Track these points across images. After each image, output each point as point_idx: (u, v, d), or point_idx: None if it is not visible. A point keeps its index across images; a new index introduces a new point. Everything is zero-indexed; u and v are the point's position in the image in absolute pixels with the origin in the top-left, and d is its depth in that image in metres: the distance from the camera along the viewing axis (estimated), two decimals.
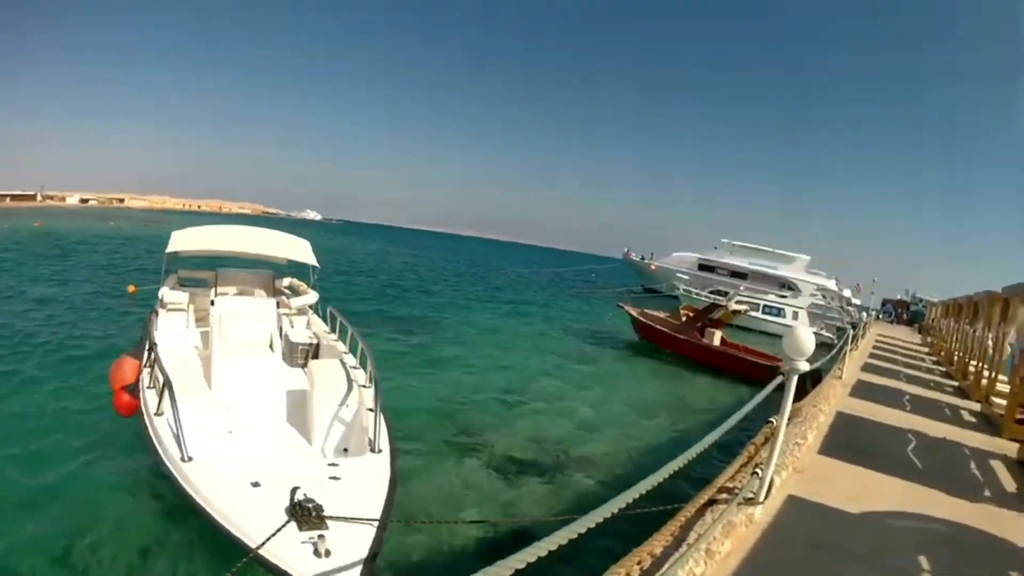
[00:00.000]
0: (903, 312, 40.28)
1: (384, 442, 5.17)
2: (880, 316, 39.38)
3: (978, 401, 10.43)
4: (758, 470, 4.20)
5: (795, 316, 28.34)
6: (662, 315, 18.52)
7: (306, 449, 5.61)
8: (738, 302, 26.91)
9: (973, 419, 9.50)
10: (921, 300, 40.16)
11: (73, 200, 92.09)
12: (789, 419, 7.03)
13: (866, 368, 13.13)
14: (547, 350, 16.40)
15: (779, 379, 3.80)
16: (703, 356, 16.20)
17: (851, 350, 15.05)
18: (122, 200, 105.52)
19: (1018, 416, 8.47)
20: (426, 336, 16.45)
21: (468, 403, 10.60)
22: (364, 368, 7.10)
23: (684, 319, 17.36)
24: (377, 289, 26.75)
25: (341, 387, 5.93)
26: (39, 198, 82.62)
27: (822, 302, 32.26)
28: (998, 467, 7.02)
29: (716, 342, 16.82)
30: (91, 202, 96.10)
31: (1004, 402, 9.30)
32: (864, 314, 29.87)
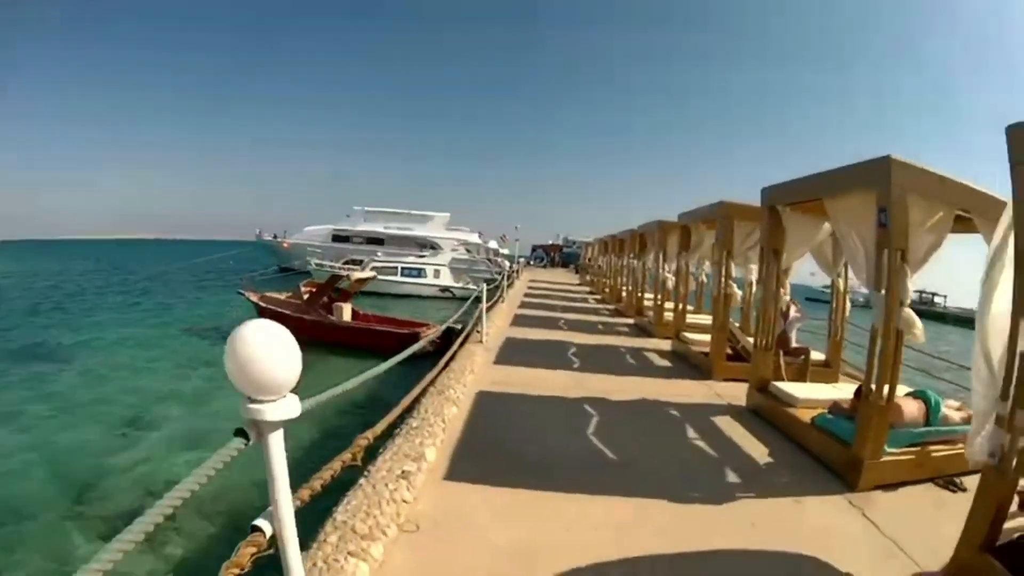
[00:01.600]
0: (556, 255, 44.33)
1: None
2: (532, 262, 42.69)
3: (668, 338, 9.56)
4: None
5: (436, 274, 28.52)
6: (283, 296, 15.85)
7: None
8: (373, 268, 26.62)
9: (666, 362, 8.23)
10: (575, 242, 44.31)
11: None
12: (401, 417, 4.28)
13: (519, 321, 11.59)
14: (169, 360, 12.75)
15: (236, 441, 1.60)
16: (332, 335, 14.14)
17: (493, 303, 13.76)
18: None
19: (728, 351, 7.51)
20: (20, 372, 11.36)
21: (54, 455, 7.38)
22: None
23: (307, 297, 15.03)
24: None
25: None
26: None
27: (466, 256, 32.72)
28: (729, 426, 5.33)
29: (347, 316, 15.00)
30: None
31: (703, 337, 8.43)
32: (508, 263, 31.61)
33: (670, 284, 10.48)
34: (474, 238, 35.50)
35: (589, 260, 27.43)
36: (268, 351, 1.56)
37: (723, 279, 7.38)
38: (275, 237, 37.18)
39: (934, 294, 54.10)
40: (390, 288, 26.65)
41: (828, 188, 4.81)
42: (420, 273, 28.35)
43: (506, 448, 4.40)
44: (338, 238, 35.22)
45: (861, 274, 4.48)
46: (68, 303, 23.50)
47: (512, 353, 8.08)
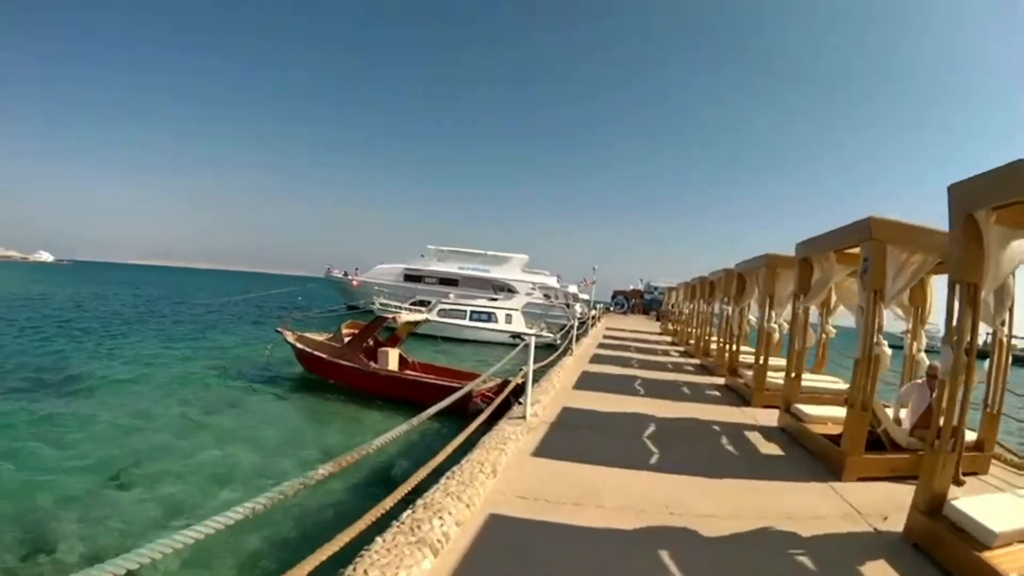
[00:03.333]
0: (637, 301, 41.21)
1: None
2: (612, 308, 40.17)
3: (772, 407, 7.08)
4: None
5: (508, 319, 26.22)
6: (321, 337, 14.25)
7: None
8: (440, 310, 25.43)
9: (775, 448, 5.75)
10: (656, 288, 40.94)
11: None
12: None
13: (586, 381, 9.22)
14: (189, 402, 11.47)
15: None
16: (370, 384, 12.37)
17: (557, 357, 11.74)
18: None
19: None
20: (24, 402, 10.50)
21: (34, 501, 6.26)
22: None
23: (347, 340, 13.24)
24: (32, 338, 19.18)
25: None
26: None
27: (542, 301, 31.19)
28: None
29: (392, 363, 13.10)
30: None
31: (824, 412, 6.04)
32: (583, 309, 29.45)
33: (777, 336, 8.05)
34: (552, 282, 34.14)
35: (672, 307, 24.65)
36: None
37: (871, 332, 4.99)
38: (345, 274, 36.75)
39: None
40: (458, 333, 25.04)
41: None
42: (490, 318, 26.10)
43: None
44: (410, 278, 34.49)
45: None
46: (121, 327, 23.50)
47: (565, 436, 5.74)
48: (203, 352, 18.13)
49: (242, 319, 30.64)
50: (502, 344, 24.64)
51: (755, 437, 6.20)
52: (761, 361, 8.01)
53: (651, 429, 6.27)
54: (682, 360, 13.89)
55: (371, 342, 13.20)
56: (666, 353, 15.54)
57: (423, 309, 25.47)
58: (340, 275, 36.93)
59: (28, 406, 10.00)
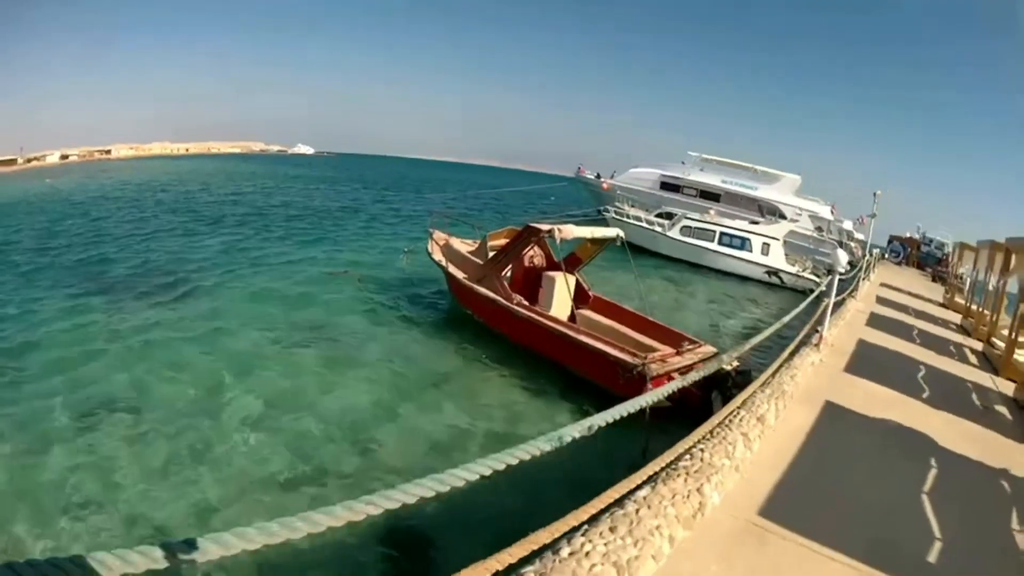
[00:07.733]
0: (913, 252, 32.48)
1: None
2: (886, 255, 31.85)
3: None
4: None
5: (765, 250, 20.22)
6: (467, 247, 10.52)
7: None
8: (684, 227, 21.09)
9: None
10: (932, 240, 32.06)
11: (53, 158, 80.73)
12: None
13: (818, 454, 4.68)
14: (300, 329, 9.39)
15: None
16: (505, 326, 8.79)
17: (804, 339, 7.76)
18: (108, 151, 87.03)
19: None
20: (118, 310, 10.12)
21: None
22: None
23: (491, 255, 9.46)
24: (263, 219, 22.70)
25: None
26: (20, 161, 71.77)
27: (811, 233, 24.85)
28: None
29: (558, 296, 9.00)
30: (71, 158, 78.51)
31: None
32: (850, 255, 22.34)
33: None
34: (826, 212, 27.64)
35: (953, 270, 17.13)
36: None
37: None
38: (598, 176, 33.83)
39: None
40: (702, 258, 20.61)
41: None
42: (744, 244, 20.55)
43: None
44: (667, 186, 30.69)
45: None
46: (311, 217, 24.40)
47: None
48: (371, 253, 17.07)
49: (470, 215, 27.38)
50: (754, 281, 19.70)
51: None
52: None
53: None
54: (987, 382, 8.08)
55: (538, 261, 9.74)
56: (962, 356, 9.74)
57: (665, 223, 22.11)
58: (591, 176, 34.21)
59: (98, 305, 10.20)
